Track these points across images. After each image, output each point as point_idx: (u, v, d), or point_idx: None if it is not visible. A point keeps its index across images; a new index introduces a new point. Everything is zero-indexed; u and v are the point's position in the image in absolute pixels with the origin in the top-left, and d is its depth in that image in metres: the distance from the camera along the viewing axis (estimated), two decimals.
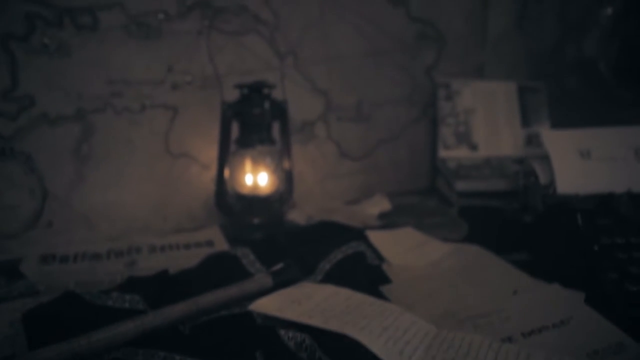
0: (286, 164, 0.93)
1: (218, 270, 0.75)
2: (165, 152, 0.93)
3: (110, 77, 0.86)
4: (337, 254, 0.77)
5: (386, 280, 0.74)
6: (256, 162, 0.89)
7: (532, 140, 1.13)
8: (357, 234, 0.85)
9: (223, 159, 0.89)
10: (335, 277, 0.71)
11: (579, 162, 0.81)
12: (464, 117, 1.15)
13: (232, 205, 0.91)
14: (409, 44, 1.13)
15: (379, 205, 1.01)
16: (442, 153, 1.13)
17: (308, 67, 1.02)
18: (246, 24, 0.95)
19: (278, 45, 0.98)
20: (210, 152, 0.93)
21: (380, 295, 0.69)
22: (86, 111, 0.86)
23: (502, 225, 0.88)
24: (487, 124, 1.15)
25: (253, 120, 0.87)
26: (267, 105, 0.87)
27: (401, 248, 0.83)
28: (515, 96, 1.17)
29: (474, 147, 1.14)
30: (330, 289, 0.66)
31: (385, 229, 0.88)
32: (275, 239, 0.86)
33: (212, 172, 0.93)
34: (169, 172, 0.94)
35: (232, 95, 0.88)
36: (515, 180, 0.94)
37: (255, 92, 0.87)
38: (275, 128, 0.91)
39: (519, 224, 0.84)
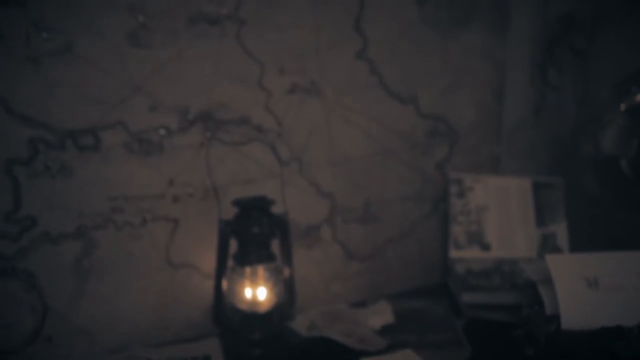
0: (286, 272, 0.91)
1: None
2: (166, 263, 0.93)
3: (111, 193, 0.87)
4: None
5: None
6: (255, 279, 0.88)
7: (548, 241, 1.09)
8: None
9: (220, 275, 0.88)
10: None
11: (586, 293, 0.77)
12: (476, 215, 1.11)
13: (231, 320, 0.90)
14: (419, 141, 1.11)
15: (382, 315, 0.98)
16: (453, 253, 1.10)
17: (313, 172, 1.01)
18: (248, 133, 0.95)
19: (281, 152, 0.98)
20: (211, 261, 0.92)
21: None
22: (87, 228, 0.87)
23: (506, 354, 0.84)
24: (500, 223, 1.11)
25: (251, 239, 0.87)
26: (265, 222, 0.86)
27: None
28: (529, 193, 1.13)
29: (486, 247, 1.10)
30: None
31: (382, 355, 0.85)
32: (273, 357, 0.84)
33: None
34: (170, 282, 0.94)
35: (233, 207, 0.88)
36: (523, 294, 0.90)
37: (253, 209, 0.86)
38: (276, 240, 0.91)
39: (522, 354, 0.80)
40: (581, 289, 0.77)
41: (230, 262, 0.89)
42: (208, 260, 0.94)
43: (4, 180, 0.81)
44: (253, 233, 0.86)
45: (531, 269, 0.85)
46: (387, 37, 1.04)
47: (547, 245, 1.09)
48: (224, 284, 0.89)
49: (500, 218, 1.11)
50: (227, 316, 0.90)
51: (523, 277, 0.94)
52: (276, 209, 0.89)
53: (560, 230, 1.09)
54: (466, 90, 1.15)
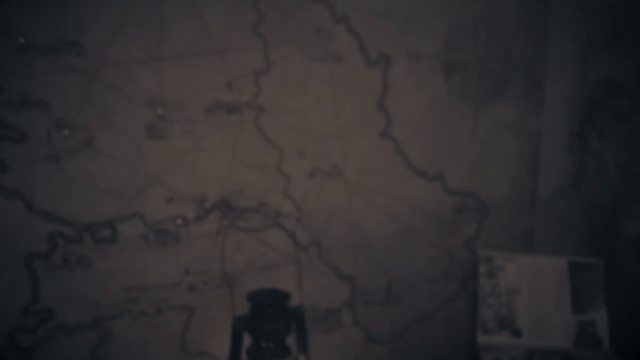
0: None
1: None
2: (182, 351, 0.92)
3: (128, 283, 0.88)
4: None
5: None
6: None
7: (585, 330, 1.03)
8: None
9: None
10: None
11: None
12: (507, 298, 1.06)
13: None
14: (446, 218, 1.07)
15: None
16: (481, 339, 1.04)
17: (333, 255, 0.99)
18: (266, 219, 0.94)
19: (300, 237, 0.96)
20: (227, 348, 0.91)
21: None
22: (103, 318, 0.87)
23: None
24: (533, 308, 1.05)
25: (265, 335, 0.85)
26: (280, 319, 0.84)
27: None
28: (565, 275, 1.07)
29: (517, 333, 1.04)
30: None
31: None
32: None
33: None
34: None
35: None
36: None
37: (268, 306, 0.84)
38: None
39: None
40: None
41: (244, 357, 0.87)
42: (224, 348, 0.92)
43: (24, 275, 0.83)
44: (267, 330, 0.84)
45: None
46: (413, 113, 1.02)
47: (585, 334, 1.02)
48: None
49: (533, 302, 1.05)
50: None
51: None
52: (293, 299, 0.87)
53: (600, 318, 1.02)
54: (497, 164, 1.10)
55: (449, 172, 1.06)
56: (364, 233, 1.01)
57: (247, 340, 0.87)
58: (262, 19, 0.89)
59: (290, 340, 0.89)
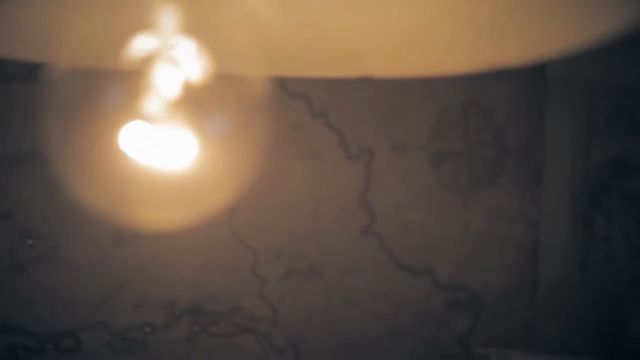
0: None
1: None
2: None
3: None
4: None
5: None
6: None
7: None
8: None
9: None
10: None
11: None
12: None
13: None
14: (436, 314, 1.01)
15: None
16: None
17: (311, 359, 0.94)
18: (240, 323, 0.90)
19: (276, 340, 0.92)
20: None
21: None
22: None
23: None
24: None
25: None
26: None
27: None
28: None
29: None
30: None
31: None
32: None
33: None
34: None
35: None
36: None
37: None
38: None
39: None
40: None
41: None
42: None
43: None
44: None
45: None
46: (398, 207, 0.97)
47: None
48: None
49: None
50: None
51: None
52: None
53: None
54: (492, 254, 1.04)
55: (438, 265, 1.01)
56: (345, 335, 0.96)
57: None
58: None
59: None
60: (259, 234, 0.90)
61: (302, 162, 0.91)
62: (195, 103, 0.46)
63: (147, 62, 0.45)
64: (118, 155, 0.49)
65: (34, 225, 0.80)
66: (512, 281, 1.07)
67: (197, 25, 0.48)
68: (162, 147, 0.49)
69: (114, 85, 0.48)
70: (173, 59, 0.46)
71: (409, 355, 1.00)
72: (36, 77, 0.73)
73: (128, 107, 0.47)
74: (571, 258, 1.13)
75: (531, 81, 1.05)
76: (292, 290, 0.92)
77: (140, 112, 0.46)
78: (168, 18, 0.46)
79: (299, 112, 0.90)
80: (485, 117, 1.02)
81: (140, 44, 0.45)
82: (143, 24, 0.45)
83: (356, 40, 0.57)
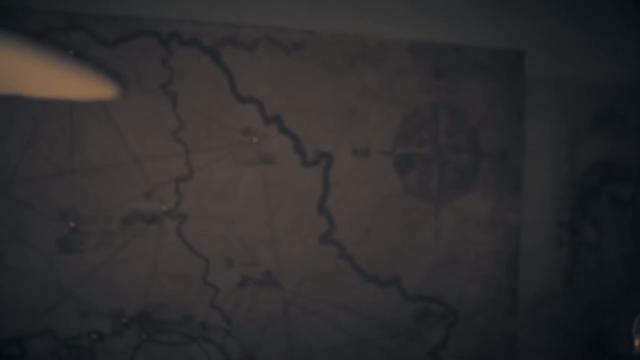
0: None
1: None
2: None
3: None
4: None
5: None
6: None
7: None
8: None
9: None
10: None
11: None
12: None
13: None
14: (405, 326, 0.97)
15: None
16: None
17: None
18: (192, 332, 0.88)
19: (231, 351, 0.90)
20: None
21: None
22: None
23: None
24: None
25: None
26: None
27: None
28: None
29: None
30: None
31: None
32: None
33: None
34: None
35: None
36: None
37: None
38: None
39: None
40: None
41: None
42: None
43: None
44: None
45: None
46: (361, 215, 0.93)
47: None
48: None
49: None
50: None
51: None
52: None
53: None
54: (466, 264, 0.99)
55: (407, 275, 0.96)
56: (303, 345, 0.92)
57: None
58: (183, 125, 0.85)
59: None
60: (210, 242, 0.87)
61: (254, 168, 0.88)
62: None
63: None
64: None
65: None
66: (490, 292, 1.01)
67: None
68: None
69: None
70: None
71: None
72: None
73: None
74: (556, 267, 1.06)
75: (508, 79, 1.00)
76: (246, 299, 0.90)
77: None
78: None
79: (250, 118, 0.88)
80: (456, 119, 0.98)
81: None
82: None
83: None
